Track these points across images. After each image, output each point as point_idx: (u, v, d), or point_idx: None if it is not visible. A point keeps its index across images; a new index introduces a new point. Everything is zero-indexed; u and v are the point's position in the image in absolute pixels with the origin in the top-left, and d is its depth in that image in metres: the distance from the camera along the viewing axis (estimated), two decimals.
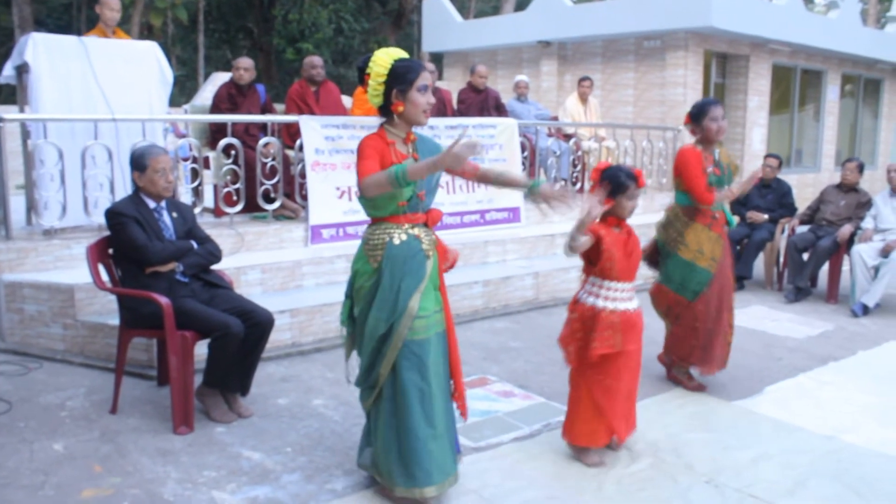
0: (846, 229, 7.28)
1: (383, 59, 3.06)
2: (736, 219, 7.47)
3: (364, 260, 3.18)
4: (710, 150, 4.69)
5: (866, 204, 7.45)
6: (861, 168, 7.67)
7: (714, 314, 4.59)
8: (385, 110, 3.14)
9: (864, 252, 6.92)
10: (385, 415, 3.14)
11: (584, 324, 3.60)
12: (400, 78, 3.05)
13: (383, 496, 3.24)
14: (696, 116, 4.66)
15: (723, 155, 4.74)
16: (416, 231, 3.15)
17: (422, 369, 3.10)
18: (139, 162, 4.12)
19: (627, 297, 3.63)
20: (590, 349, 3.53)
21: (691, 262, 4.54)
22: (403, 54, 3.12)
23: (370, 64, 3.08)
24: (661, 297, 4.70)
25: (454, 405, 3.30)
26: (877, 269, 6.86)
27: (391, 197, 3.06)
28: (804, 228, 7.79)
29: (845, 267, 7.35)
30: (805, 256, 7.48)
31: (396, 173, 2.86)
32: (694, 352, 4.62)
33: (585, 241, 3.48)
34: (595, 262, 3.60)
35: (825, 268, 7.49)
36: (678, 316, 4.64)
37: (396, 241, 3.11)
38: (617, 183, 3.58)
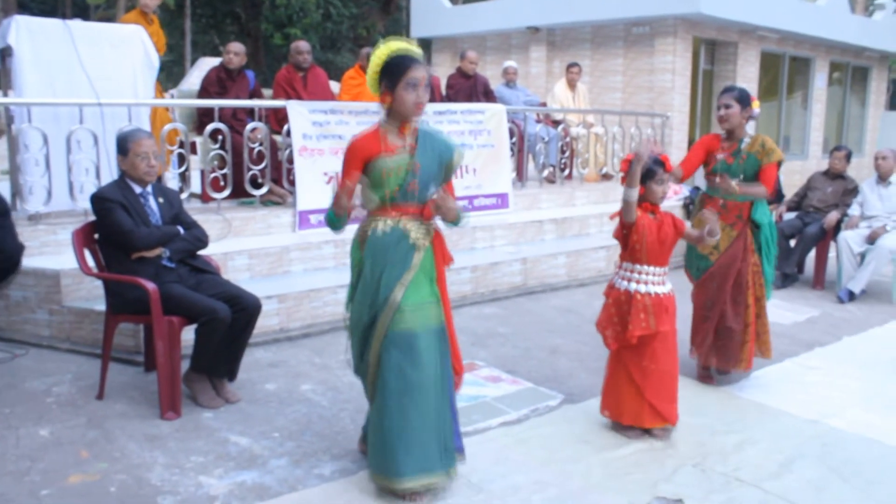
0: (833, 216, 7.32)
1: (381, 51, 3.11)
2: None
3: (355, 248, 3.23)
4: (734, 138, 4.59)
5: (853, 191, 7.48)
6: (849, 156, 7.70)
7: (709, 304, 4.55)
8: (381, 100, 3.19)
9: (851, 239, 6.96)
10: (375, 401, 3.18)
11: (620, 308, 3.79)
12: (389, 72, 3.08)
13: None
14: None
15: (755, 143, 4.55)
16: (403, 222, 3.14)
17: (408, 362, 3.08)
18: (122, 145, 4.09)
19: (659, 280, 3.78)
20: (627, 332, 3.71)
21: (693, 247, 4.52)
22: (404, 47, 3.12)
23: (371, 55, 3.14)
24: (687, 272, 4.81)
25: (454, 399, 3.26)
26: (863, 256, 6.90)
27: (378, 186, 3.12)
28: (791, 215, 7.82)
29: (832, 253, 7.39)
30: (792, 243, 7.52)
31: (333, 210, 3.10)
32: (692, 335, 4.67)
33: (634, 204, 3.68)
34: (626, 245, 3.77)
35: (812, 254, 7.54)
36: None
37: (379, 232, 3.14)
38: (645, 169, 3.71)
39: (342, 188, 3.05)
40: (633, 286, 3.75)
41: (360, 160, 3.12)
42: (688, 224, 4.03)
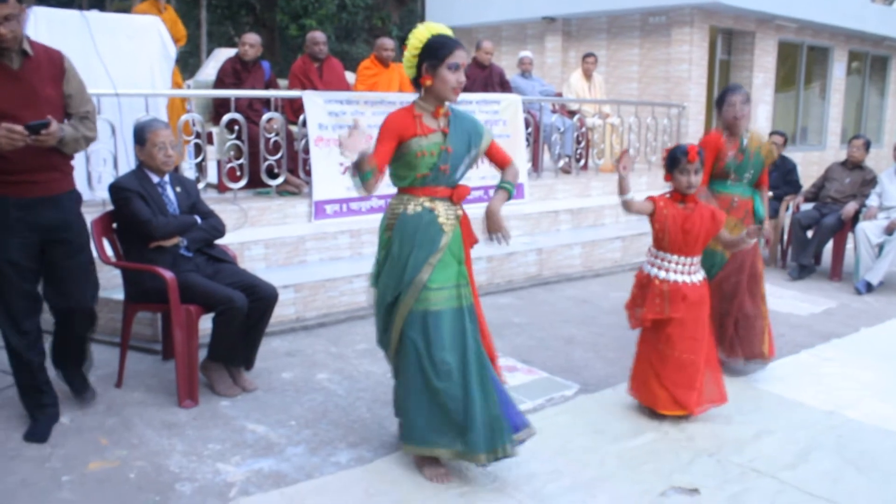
0: (850, 207, 7.26)
1: (421, 32, 3.13)
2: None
3: (383, 227, 3.28)
4: (737, 136, 4.67)
5: (871, 181, 7.42)
6: (867, 146, 7.62)
7: (728, 297, 4.58)
8: (416, 83, 3.20)
9: (869, 230, 6.91)
10: (399, 377, 3.29)
11: (642, 290, 3.90)
12: (432, 53, 3.10)
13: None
14: (718, 102, 4.72)
15: (753, 141, 4.69)
16: (433, 204, 3.18)
17: (433, 339, 3.11)
18: (139, 135, 4.12)
19: (683, 269, 3.84)
20: (641, 314, 3.82)
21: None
22: (444, 30, 3.15)
23: (409, 36, 3.15)
24: None
25: (494, 378, 3.24)
26: (881, 247, 6.85)
27: (410, 167, 3.15)
28: (809, 206, 7.77)
29: (849, 244, 7.34)
30: (809, 234, 7.47)
31: (356, 178, 3.10)
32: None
33: (636, 204, 3.83)
34: (653, 234, 3.88)
35: (829, 245, 7.49)
36: None
37: (410, 212, 3.18)
38: (670, 158, 3.82)
39: (368, 157, 3.03)
40: (655, 271, 3.86)
41: (395, 137, 3.13)
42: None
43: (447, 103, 3.21)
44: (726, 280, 4.60)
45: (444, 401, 3.11)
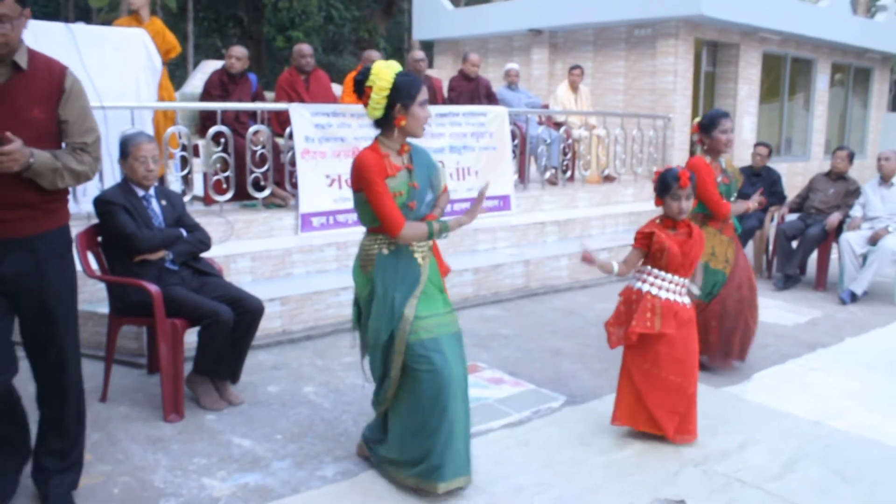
0: (835, 217, 7.32)
1: (385, 73, 3.07)
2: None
3: (358, 269, 3.27)
4: (717, 160, 4.78)
5: (855, 192, 7.48)
6: (851, 157, 7.69)
7: (733, 313, 4.71)
8: (382, 122, 3.17)
9: (853, 240, 6.96)
10: (401, 411, 3.22)
11: (629, 306, 3.76)
12: (403, 92, 3.09)
13: (391, 482, 3.28)
14: (707, 127, 4.72)
15: (728, 163, 4.88)
16: None
17: (437, 365, 3.10)
18: (123, 149, 4.12)
19: (676, 289, 3.74)
20: (628, 328, 3.68)
21: (706, 264, 4.60)
22: (400, 67, 3.15)
23: (371, 77, 3.08)
24: None
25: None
26: (865, 257, 6.90)
27: None
28: (793, 216, 7.82)
29: (834, 255, 7.39)
30: (794, 244, 7.51)
31: (432, 231, 3.15)
32: (710, 347, 4.71)
33: (633, 254, 3.78)
34: (649, 255, 3.76)
35: (814, 256, 7.53)
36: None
37: (386, 252, 3.18)
38: (661, 183, 3.74)
39: (409, 229, 3.11)
40: (647, 287, 3.72)
41: (384, 177, 3.10)
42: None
43: (408, 139, 3.23)
44: (729, 297, 4.71)
45: (453, 424, 3.11)
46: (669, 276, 3.72)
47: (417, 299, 3.15)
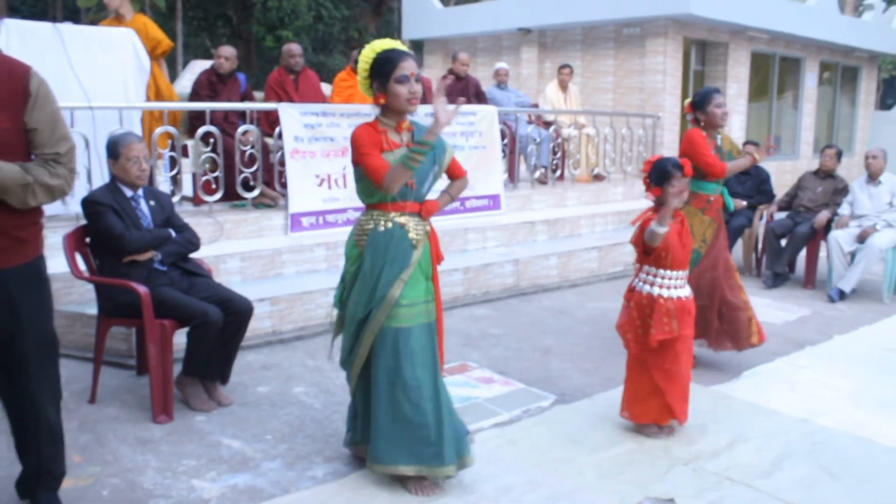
0: (823, 216, 7.36)
1: (367, 53, 3.14)
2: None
3: (352, 244, 3.26)
4: (713, 136, 4.82)
5: (843, 190, 7.52)
6: (839, 155, 7.73)
7: (706, 292, 4.72)
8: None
9: (841, 238, 6.99)
10: (370, 394, 3.22)
11: (642, 311, 3.75)
12: (378, 70, 3.10)
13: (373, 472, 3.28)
14: (700, 104, 4.80)
15: (725, 140, 4.90)
16: (403, 219, 3.17)
17: (400, 356, 3.11)
18: (113, 149, 4.09)
19: (681, 284, 3.77)
20: (649, 336, 3.67)
21: None
22: (391, 45, 3.14)
23: (360, 58, 3.15)
24: None
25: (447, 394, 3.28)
26: (853, 255, 6.94)
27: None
28: (782, 215, 7.86)
29: (822, 253, 7.43)
30: (783, 242, 7.55)
31: (404, 159, 2.96)
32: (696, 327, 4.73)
33: (657, 236, 3.65)
34: (650, 252, 3.73)
35: (803, 254, 7.57)
36: None
37: (381, 229, 3.16)
38: (659, 171, 3.70)
39: (389, 171, 3.00)
40: (657, 290, 3.72)
41: (378, 148, 3.09)
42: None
43: (408, 117, 3.22)
44: (702, 276, 4.74)
45: (413, 417, 3.11)
46: (675, 273, 3.74)
47: (404, 283, 3.13)
